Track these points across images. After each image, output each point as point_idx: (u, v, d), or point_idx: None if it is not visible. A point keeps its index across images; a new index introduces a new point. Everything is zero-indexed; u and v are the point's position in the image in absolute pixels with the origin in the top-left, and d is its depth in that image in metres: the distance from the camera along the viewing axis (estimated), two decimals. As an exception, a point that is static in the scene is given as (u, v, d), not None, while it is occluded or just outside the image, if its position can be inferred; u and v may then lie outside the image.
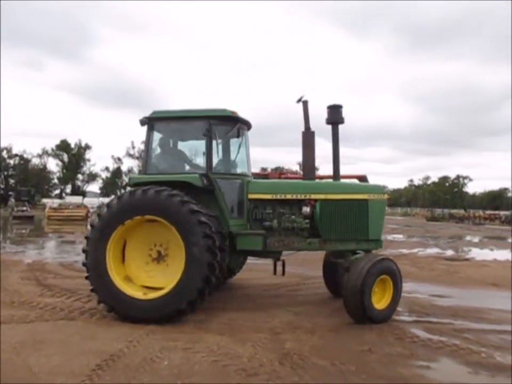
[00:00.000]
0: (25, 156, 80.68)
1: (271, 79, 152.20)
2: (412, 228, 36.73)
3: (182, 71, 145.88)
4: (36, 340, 5.11)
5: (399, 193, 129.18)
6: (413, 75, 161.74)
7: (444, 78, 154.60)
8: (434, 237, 25.41)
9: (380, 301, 6.26)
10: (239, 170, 7.25)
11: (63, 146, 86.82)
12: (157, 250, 6.31)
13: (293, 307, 7.06)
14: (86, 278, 6.21)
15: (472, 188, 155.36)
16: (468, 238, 26.31)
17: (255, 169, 8.18)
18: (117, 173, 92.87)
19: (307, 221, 6.81)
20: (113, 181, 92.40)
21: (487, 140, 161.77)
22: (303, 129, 7.41)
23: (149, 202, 5.96)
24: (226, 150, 7.20)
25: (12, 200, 39.44)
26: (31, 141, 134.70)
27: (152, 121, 6.89)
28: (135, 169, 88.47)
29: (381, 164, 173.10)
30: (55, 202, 47.59)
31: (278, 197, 6.89)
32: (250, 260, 9.02)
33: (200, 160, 6.88)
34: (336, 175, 7.42)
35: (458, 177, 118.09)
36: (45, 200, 57.26)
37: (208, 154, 6.62)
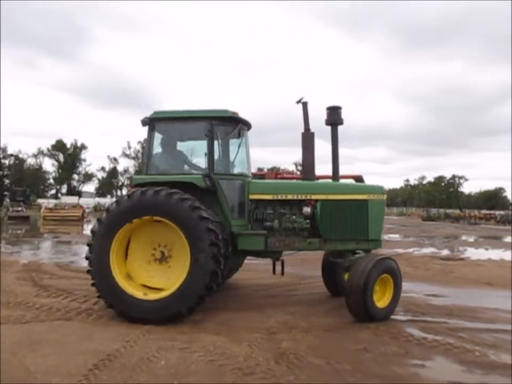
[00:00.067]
0: (20, 155, 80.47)
1: (270, 79, 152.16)
2: (408, 227, 36.88)
3: (181, 71, 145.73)
4: (32, 340, 5.11)
5: (395, 193, 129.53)
6: (408, 75, 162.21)
7: (440, 78, 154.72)
8: (429, 237, 25.53)
9: (380, 299, 6.34)
10: (239, 171, 7.27)
11: (59, 146, 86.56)
12: (160, 251, 6.33)
13: (289, 307, 7.09)
14: (88, 272, 6.21)
15: (467, 188, 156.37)
16: (463, 237, 26.48)
17: (253, 169, 8.22)
18: (113, 173, 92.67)
19: (308, 221, 6.86)
20: (109, 181, 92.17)
21: (483, 140, 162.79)
22: (302, 130, 7.45)
23: (159, 203, 5.97)
24: (227, 151, 7.22)
25: (7, 200, 39.26)
26: (27, 140, 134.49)
27: (153, 122, 6.90)
28: (131, 170, 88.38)
29: (377, 164, 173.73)
30: (51, 202, 47.42)
31: (279, 197, 6.93)
32: (245, 260, 9.04)
33: (201, 161, 6.90)
34: (335, 175, 7.53)
35: (453, 177, 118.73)
36: (40, 201, 57.04)
37: (210, 155, 6.65)
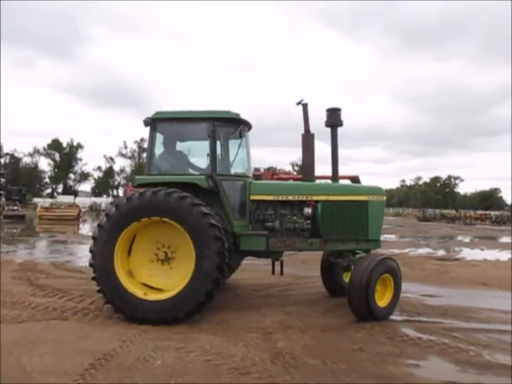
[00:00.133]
0: (16, 154, 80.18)
1: (271, 79, 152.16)
2: (404, 228, 36.97)
3: (181, 71, 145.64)
4: (28, 339, 5.10)
5: (391, 194, 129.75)
6: (408, 75, 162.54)
7: (439, 78, 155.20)
8: (425, 237, 25.63)
9: (381, 299, 6.42)
10: (240, 171, 7.28)
11: (55, 145, 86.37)
12: (164, 252, 6.33)
13: (285, 307, 7.11)
14: (90, 265, 6.19)
15: (463, 188, 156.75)
16: (459, 238, 26.58)
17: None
18: (109, 172, 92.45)
19: (308, 221, 6.91)
20: (105, 181, 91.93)
21: (482, 140, 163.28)
22: (302, 130, 7.48)
23: (171, 206, 5.96)
24: (228, 152, 7.24)
25: (3, 199, 39.17)
26: (22, 139, 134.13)
27: (155, 122, 6.89)
28: (127, 169, 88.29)
29: (373, 164, 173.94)
30: (47, 201, 47.27)
31: (280, 198, 6.97)
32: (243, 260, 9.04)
33: (204, 161, 6.92)
34: (335, 177, 7.58)
35: (449, 177, 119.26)
36: (36, 200, 56.77)
37: (213, 155, 6.67)
